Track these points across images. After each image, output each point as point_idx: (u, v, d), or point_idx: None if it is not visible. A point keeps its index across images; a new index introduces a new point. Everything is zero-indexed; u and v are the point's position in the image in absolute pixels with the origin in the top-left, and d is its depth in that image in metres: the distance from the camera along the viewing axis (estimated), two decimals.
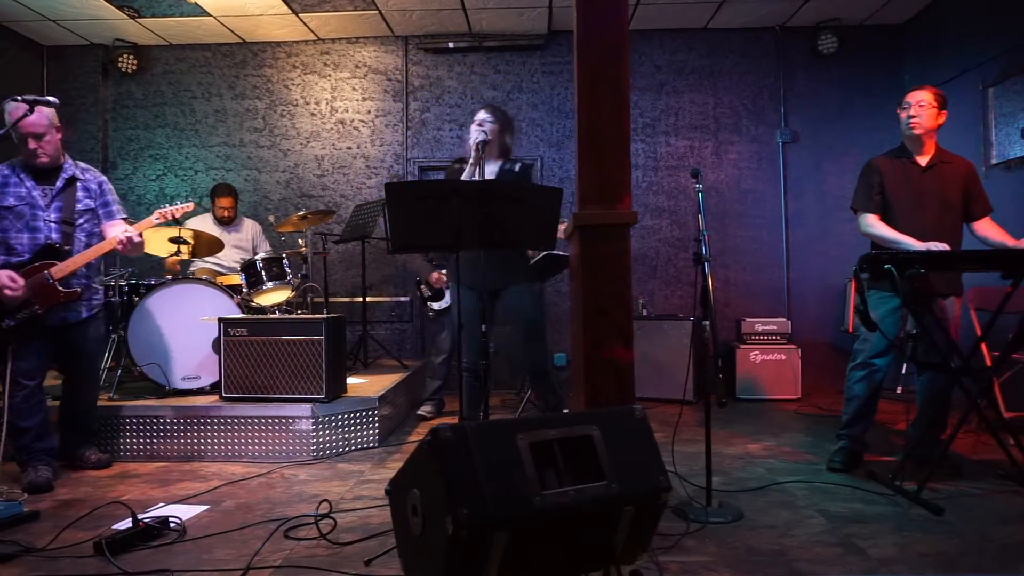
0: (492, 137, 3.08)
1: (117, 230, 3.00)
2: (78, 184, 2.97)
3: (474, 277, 2.85)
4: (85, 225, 2.99)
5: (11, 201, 2.82)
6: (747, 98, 5.43)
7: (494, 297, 3.15)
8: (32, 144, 2.81)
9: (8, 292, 2.72)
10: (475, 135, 2.97)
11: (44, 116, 2.80)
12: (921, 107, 2.89)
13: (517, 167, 3.19)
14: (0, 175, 2.85)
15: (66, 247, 2.90)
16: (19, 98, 2.61)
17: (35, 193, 2.86)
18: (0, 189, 2.82)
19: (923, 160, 2.96)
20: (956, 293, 2.94)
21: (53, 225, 2.88)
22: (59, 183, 2.92)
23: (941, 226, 2.87)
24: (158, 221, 3.18)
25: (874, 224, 2.94)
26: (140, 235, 3.00)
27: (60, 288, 2.85)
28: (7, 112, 2.74)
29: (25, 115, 2.65)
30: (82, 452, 3.11)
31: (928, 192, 2.92)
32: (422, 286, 4.36)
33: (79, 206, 2.96)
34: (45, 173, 2.90)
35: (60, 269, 2.85)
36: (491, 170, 3.17)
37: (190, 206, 3.34)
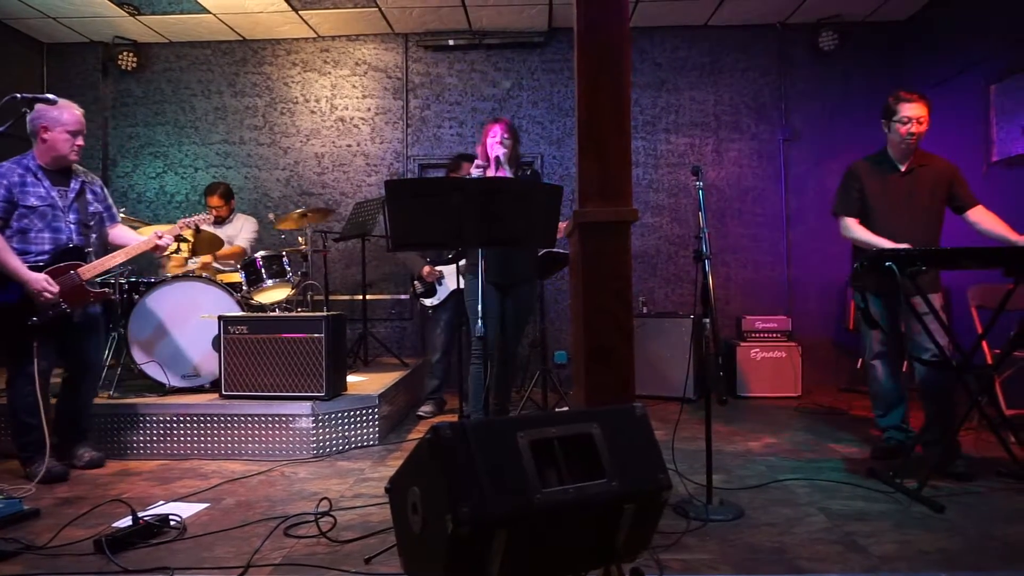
0: (509, 151, 3.15)
1: (122, 232, 3.17)
2: (87, 187, 3.04)
3: (491, 271, 2.87)
4: (95, 227, 3.07)
5: (33, 201, 2.85)
6: (748, 95, 5.42)
7: (507, 291, 3.13)
8: (74, 142, 2.90)
9: (46, 296, 2.79)
10: (497, 150, 3.05)
11: (80, 114, 2.95)
12: (920, 124, 2.93)
13: (529, 172, 3.28)
14: (16, 174, 2.85)
15: (87, 249, 2.97)
16: (18, 96, 2.61)
17: (53, 193, 2.90)
18: (20, 188, 2.84)
19: (903, 165, 3.02)
20: (935, 290, 2.95)
21: (73, 227, 2.93)
22: (74, 185, 2.98)
23: (915, 228, 2.93)
24: (181, 232, 3.28)
25: (853, 227, 3.04)
26: (168, 240, 3.16)
27: (90, 289, 2.93)
28: (39, 111, 2.84)
29: (59, 112, 2.83)
30: (77, 451, 3.09)
31: (902, 196, 2.99)
32: (415, 282, 4.34)
33: (91, 209, 3.03)
34: (57, 175, 2.94)
35: (89, 269, 2.92)
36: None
37: (210, 218, 3.48)
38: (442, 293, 4.25)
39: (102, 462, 3.13)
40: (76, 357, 3.03)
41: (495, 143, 3.08)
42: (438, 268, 4.24)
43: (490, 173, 3.03)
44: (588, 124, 2.38)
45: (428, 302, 4.32)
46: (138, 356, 3.57)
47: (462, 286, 4.15)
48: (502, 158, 3.02)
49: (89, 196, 3.03)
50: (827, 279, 5.26)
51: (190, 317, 3.64)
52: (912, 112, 2.92)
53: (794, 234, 5.35)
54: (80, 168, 3.07)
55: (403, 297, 5.44)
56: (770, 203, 5.37)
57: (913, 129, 2.92)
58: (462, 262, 4.15)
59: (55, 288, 2.80)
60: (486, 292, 3.03)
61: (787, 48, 5.39)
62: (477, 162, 3.01)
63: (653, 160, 5.44)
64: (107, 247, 3.13)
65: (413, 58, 5.53)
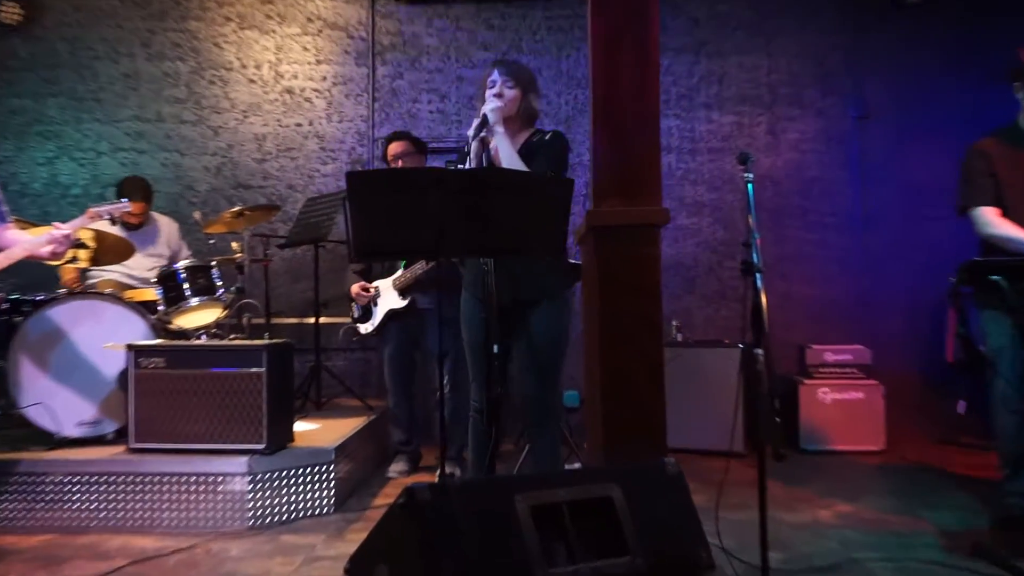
0: (510, 106, 2.89)
1: (13, 235, 3.15)
2: None
3: (480, 284, 2.80)
4: None
5: None
6: (811, 61, 5.48)
7: (516, 312, 2.91)
8: None
9: None
10: (487, 105, 2.79)
11: None
12: None
13: (548, 136, 2.99)
14: None
15: None
16: None
17: None
18: None
19: None
20: None
21: None
22: None
23: None
24: (91, 223, 3.31)
25: (995, 220, 2.98)
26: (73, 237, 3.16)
27: None
28: None
29: None
30: None
31: None
32: (352, 303, 4.38)
33: None
34: None
35: None
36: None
37: (129, 207, 3.52)
38: (375, 318, 4.26)
39: None
40: None
41: (490, 95, 2.85)
42: (373, 284, 4.25)
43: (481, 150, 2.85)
44: (605, 99, 2.44)
45: (362, 328, 4.34)
46: (20, 397, 3.57)
47: (397, 306, 4.18)
48: (491, 116, 2.75)
49: None
50: (917, 297, 5.28)
51: (90, 346, 3.65)
52: None
53: (872, 238, 5.39)
54: None
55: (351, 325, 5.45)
56: (840, 198, 5.42)
57: None
58: (397, 275, 4.17)
59: None
60: (472, 316, 2.97)
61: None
62: (476, 122, 2.77)
63: (689, 144, 5.50)
64: None
65: (381, 13, 5.60)
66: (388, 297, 4.23)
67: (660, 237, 2.42)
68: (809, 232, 5.42)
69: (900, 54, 5.43)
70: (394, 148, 4.27)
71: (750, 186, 2.55)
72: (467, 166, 2.77)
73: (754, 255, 2.44)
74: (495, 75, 2.91)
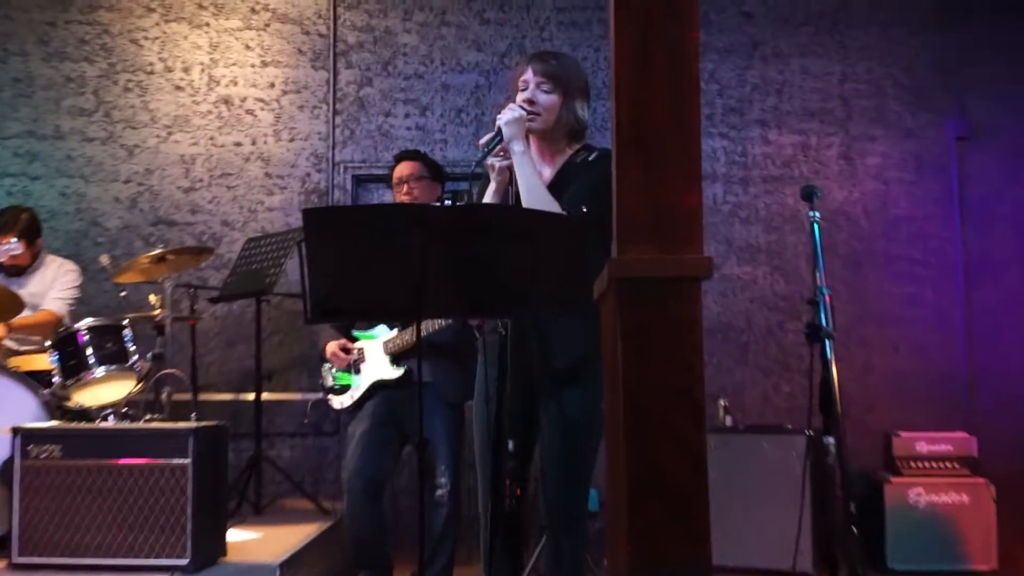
0: (547, 115, 2.86)
1: None
2: None
3: (496, 350, 2.79)
4: None
5: None
6: (897, 65, 5.57)
7: (546, 385, 2.89)
8: None
9: None
10: (506, 115, 2.75)
11: None
12: None
13: (592, 156, 2.93)
14: None
15: None
16: None
17: None
18: None
19: None
20: None
21: None
22: None
23: None
24: None
25: None
26: None
27: None
28: None
29: None
30: None
31: None
32: (324, 369, 4.31)
33: None
34: None
35: None
36: (548, 173, 2.98)
37: (19, 249, 3.62)
38: (356, 389, 4.15)
39: None
40: None
41: (520, 99, 2.82)
42: (357, 346, 4.18)
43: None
44: (632, 115, 2.50)
45: (336, 402, 4.25)
46: None
47: (387, 376, 4.05)
48: (507, 131, 2.71)
49: None
50: None
51: None
52: None
53: (978, 293, 5.41)
54: None
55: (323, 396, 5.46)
56: (936, 242, 5.46)
57: None
58: (392, 335, 4.02)
59: None
60: (483, 391, 2.95)
61: None
62: (487, 137, 2.77)
63: (740, 171, 5.57)
64: None
65: (346, 2, 5.71)
66: (376, 363, 4.09)
67: (702, 292, 2.45)
68: (896, 286, 5.45)
69: (1013, 55, 5.48)
70: (401, 170, 4.17)
71: (816, 226, 2.60)
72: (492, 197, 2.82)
73: (823, 315, 2.49)
74: (528, 73, 2.87)
